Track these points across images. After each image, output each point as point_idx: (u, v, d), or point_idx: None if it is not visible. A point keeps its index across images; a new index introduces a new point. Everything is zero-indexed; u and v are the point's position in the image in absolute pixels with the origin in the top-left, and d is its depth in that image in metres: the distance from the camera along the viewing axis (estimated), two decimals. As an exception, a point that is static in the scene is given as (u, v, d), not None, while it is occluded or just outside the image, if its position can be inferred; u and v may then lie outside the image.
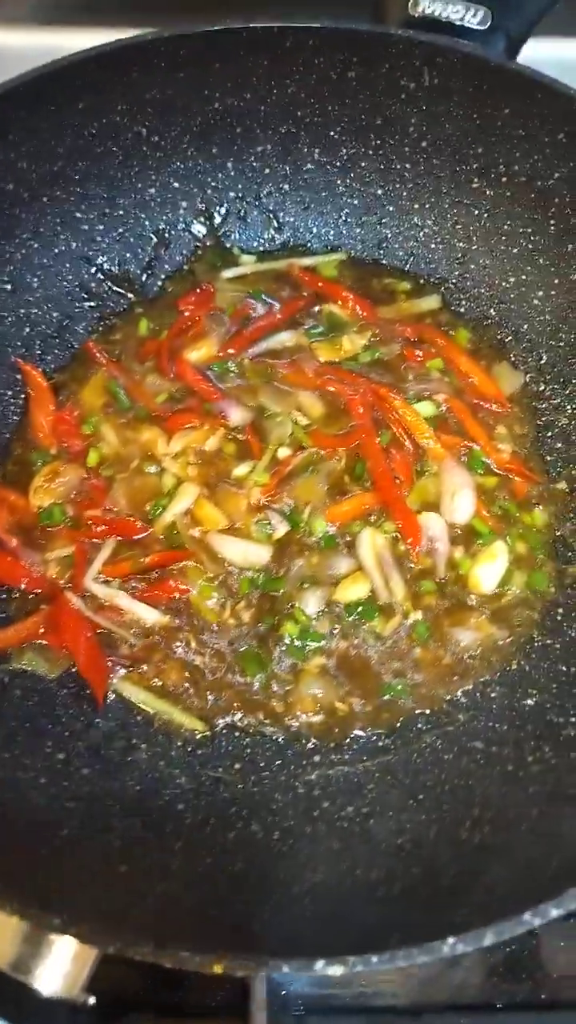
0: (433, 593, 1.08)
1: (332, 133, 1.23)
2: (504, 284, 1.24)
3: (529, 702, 1.00)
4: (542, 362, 1.21)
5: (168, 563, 1.07)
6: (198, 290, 1.27)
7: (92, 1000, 0.69)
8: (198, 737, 1.00)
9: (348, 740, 1.01)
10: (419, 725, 1.02)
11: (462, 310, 1.27)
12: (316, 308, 1.27)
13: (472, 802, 0.89)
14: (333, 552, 1.09)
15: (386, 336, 1.24)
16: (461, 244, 1.26)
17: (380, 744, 1.01)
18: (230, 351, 1.22)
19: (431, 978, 0.98)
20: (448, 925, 0.66)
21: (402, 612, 1.07)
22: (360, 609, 1.06)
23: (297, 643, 1.05)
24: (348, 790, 0.96)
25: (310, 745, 1.01)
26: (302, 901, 0.78)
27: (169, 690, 1.03)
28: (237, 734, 1.02)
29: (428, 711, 1.03)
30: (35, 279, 1.18)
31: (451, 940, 0.64)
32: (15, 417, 1.15)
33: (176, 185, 1.25)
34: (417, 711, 1.02)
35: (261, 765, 0.99)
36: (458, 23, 1.13)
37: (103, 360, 1.21)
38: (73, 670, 1.01)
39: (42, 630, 1.01)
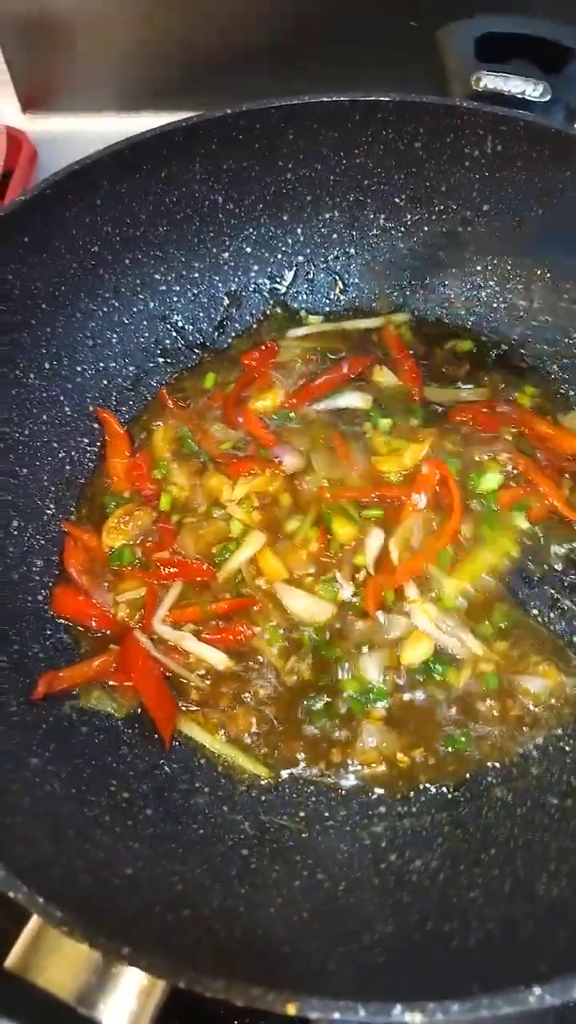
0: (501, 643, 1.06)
1: (397, 200, 1.29)
2: (567, 340, 1.26)
3: (604, 755, 0.97)
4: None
5: (235, 610, 1.08)
6: (263, 347, 1.32)
7: (156, 1043, 0.66)
8: (262, 783, 0.99)
9: (414, 792, 0.98)
10: (489, 778, 0.98)
11: (524, 366, 1.29)
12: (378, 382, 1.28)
13: (548, 856, 0.85)
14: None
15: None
16: (522, 303, 1.29)
17: (449, 797, 0.98)
18: (293, 402, 1.25)
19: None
20: (531, 976, 0.62)
21: (472, 663, 1.05)
22: (430, 664, 1.04)
23: (358, 697, 1.03)
24: (416, 843, 0.92)
25: (375, 796, 0.99)
26: (372, 950, 0.75)
27: (234, 735, 1.02)
28: (301, 783, 1.00)
29: (498, 764, 0.99)
30: (114, 335, 1.24)
31: (537, 990, 0.60)
32: (91, 464, 1.19)
33: (248, 250, 1.32)
34: (487, 764, 0.99)
35: (326, 815, 0.97)
36: (519, 96, 1.19)
37: (174, 409, 1.25)
38: (140, 710, 1.01)
39: (111, 669, 1.02)
